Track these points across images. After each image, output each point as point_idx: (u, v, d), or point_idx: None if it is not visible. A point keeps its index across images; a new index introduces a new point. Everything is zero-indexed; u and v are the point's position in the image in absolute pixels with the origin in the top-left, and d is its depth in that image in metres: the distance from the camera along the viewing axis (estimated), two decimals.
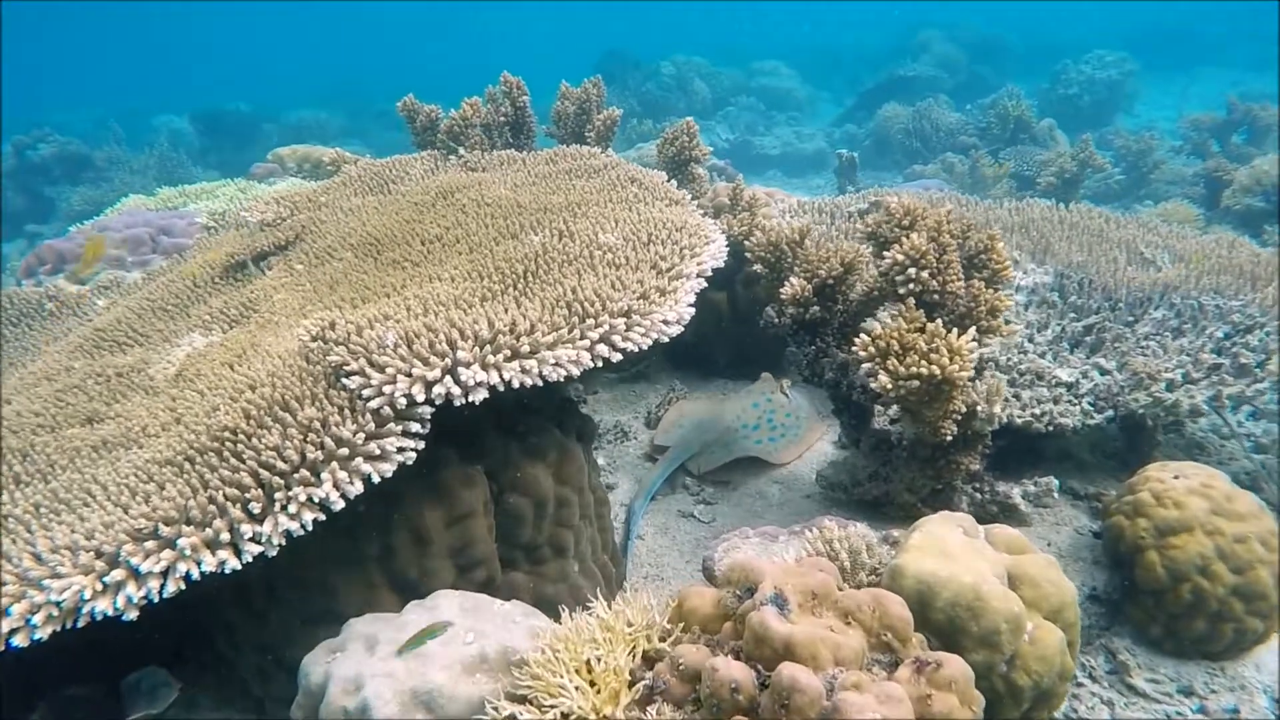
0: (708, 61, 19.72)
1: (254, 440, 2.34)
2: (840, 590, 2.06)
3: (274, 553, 2.20)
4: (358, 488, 2.31)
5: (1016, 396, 3.48)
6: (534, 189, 4.08)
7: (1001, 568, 2.34)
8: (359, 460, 2.32)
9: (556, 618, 2.85)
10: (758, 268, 3.83)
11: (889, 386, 2.83)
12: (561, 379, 2.55)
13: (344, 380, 2.50)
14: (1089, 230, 4.81)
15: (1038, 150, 10.66)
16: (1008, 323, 3.16)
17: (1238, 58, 21.62)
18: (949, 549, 2.36)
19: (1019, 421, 3.37)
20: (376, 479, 2.34)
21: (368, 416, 2.40)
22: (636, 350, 2.72)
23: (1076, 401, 3.57)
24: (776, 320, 3.75)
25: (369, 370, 2.47)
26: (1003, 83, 15.66)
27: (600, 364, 2.65)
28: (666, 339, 2.81)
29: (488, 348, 2.50)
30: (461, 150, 4.91)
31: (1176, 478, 3.17)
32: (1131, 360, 3.68)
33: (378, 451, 2.35)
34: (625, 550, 3.50)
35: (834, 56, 23.26)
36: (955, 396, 2.85)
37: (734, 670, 1.80)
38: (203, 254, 4.44)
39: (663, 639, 2.07)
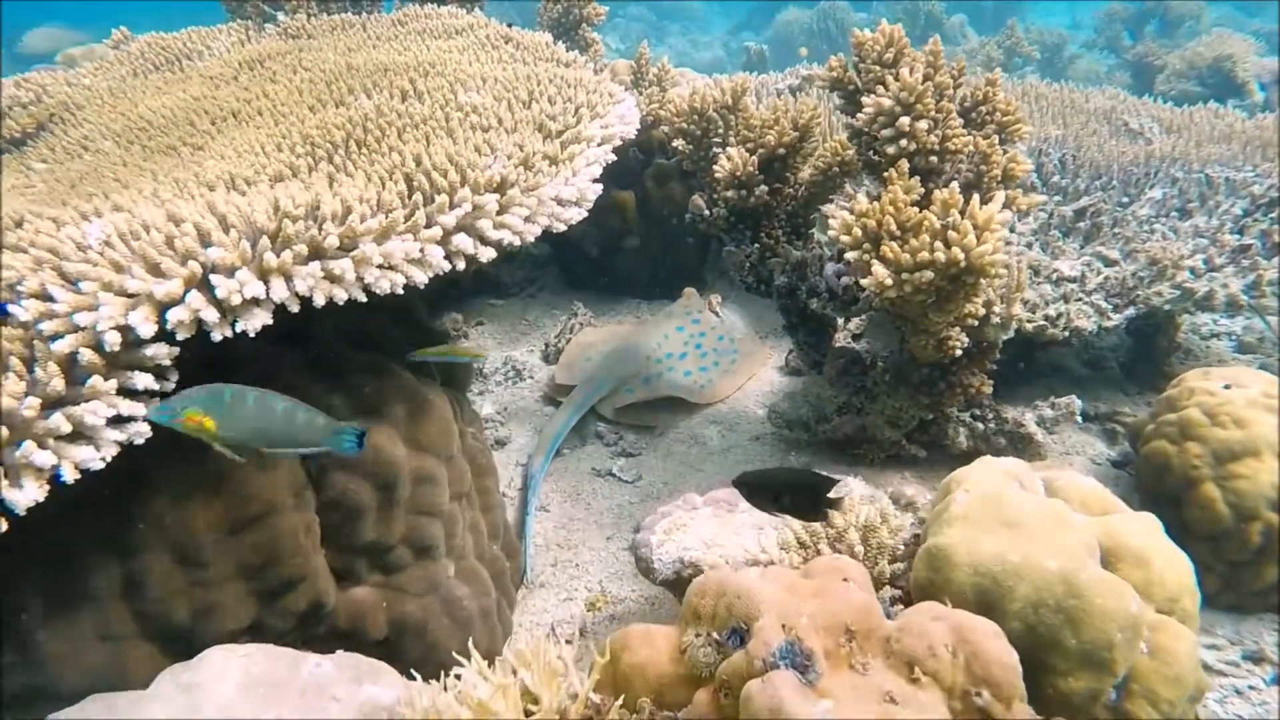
0: None
1: None
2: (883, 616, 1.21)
3: None
4: (32, 493, 1.31)
5: None
6: (373, 52, 3.02)
7: (1092, 538, 1.55)
8: (29, 446, 1.31)
9: (428, 650, 1.97)
10: (678, 143, 2.89)
11: (888, 284, 1.97)
12: (398, 290, 1.58)
13: (12, 310, 1.46)
14: (1059, 101, 4.07)
15: (953, 48, 9.98)
16: (1026, 193, 2.34)
17: None
18: (1013, 516, 1.54)
19: (1030, 327, 2.60)
20: (71, 477, 1.35)
21: (52, 368, 1.38)
22: (518, 243, 1.77)
23: (1086, 299, 2.83)
24: (708, 212, 2.85)
25: (54, 288, 1.44)
26: None
27: (462, 265, 1.69)
28: (563, 226, 1.87)
29: (266, 243, 1.50)
30: (281, 15, 3.73)
31: (1228, 387, 2.49)
32: (1146, 246, 2.96)
33: (67, 428, 1.34)
34: (524, 531, 2.59)
35: None
36: (978, 293, 2.02)
37: None
38: None
39: None
